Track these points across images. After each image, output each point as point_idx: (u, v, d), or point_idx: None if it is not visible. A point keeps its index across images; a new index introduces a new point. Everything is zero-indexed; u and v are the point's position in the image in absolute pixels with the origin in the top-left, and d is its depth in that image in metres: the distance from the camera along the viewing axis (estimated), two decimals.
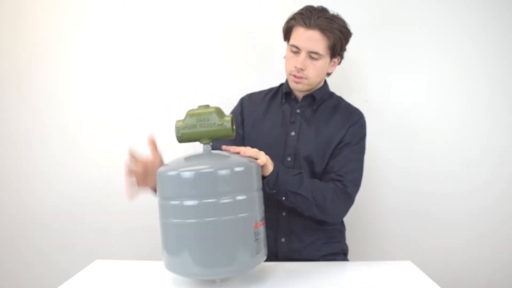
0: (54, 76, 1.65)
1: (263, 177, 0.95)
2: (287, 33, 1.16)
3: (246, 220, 0.83)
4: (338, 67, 1.58)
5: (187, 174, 0.80)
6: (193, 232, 0.81)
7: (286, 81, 1.23)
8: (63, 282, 0.95)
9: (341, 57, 1.21)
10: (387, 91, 1.58)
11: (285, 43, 1.19)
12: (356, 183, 1.13)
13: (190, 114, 0.89)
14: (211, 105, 0.91)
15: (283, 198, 1.01)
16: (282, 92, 1.23)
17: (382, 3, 1.57)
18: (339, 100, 1.25)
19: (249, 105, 1.26)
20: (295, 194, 1.01)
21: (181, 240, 0.82)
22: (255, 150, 0.94)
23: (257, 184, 0.89)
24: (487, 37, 1.56)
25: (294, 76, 1.12)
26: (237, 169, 0.83)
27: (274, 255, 1.14)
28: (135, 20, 1.62)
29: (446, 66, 1.57)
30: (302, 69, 1.10)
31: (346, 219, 1.22)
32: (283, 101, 1.22)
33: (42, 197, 1.66)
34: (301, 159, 1.14)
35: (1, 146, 1.67)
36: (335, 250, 1.20)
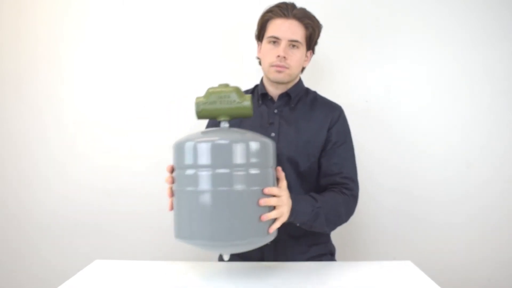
0: (54, 76, 1.65)
1: None
2: (262, 28, 1.17)
3: (258, 194, 0.84)
4: (338, 66, 1.59)
5: (203, 145, 0.83)
6: (205, 201, 0.82)
7: (261, 82, 1.24)
8: (63, 282, 0.95)
9: (313, 51, 1.23)
10: (387, 91, 1.58)
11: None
12: (357, 182, 1.16)
13: (211, 92, 0.91)
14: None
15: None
16: (258, 94, 1.22)
17: (383, 3, 1.57)
18: (315, 95, 1.25)
19: None
20: (311, 227, 1.02)
21: (194, 208, 0.83)
22: (278, 200, 0.87)
23: (272, 161, 0.90)
24: (487, 37, 1.56)
25: (277, 66, 1.12)
26: (252, 143, 0.84)
27: (260, 258, 1.13)
28: (135, 20, 1.62)
29: (446, 66, 1.57)
30: (284, 57, 1.10)
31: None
32: (260, 102, 1.21)
33: (41, 197, 1.66)
34: (284, 160, 1.13)
35: (1, 146, 1.67)
36: (322, 251, 1.20)
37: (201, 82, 1.60)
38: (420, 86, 1.58)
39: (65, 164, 1.65)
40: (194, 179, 0.83)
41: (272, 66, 1.12)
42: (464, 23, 1.56)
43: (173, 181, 0.90)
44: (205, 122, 1.29)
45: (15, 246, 1.68)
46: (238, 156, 0.82)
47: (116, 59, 1.63)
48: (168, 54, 1.61)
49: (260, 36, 1.19)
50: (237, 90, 0.91)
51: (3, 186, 1.68)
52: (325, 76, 1.59)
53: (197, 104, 0.91)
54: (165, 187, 0.92)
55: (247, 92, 1.28)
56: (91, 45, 1.63)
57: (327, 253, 1.21)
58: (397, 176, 1.59)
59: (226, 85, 0.92)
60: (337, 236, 1.30)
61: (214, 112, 0.91)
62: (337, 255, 1.28)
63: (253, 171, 0.83)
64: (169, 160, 1.62)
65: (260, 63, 1.22)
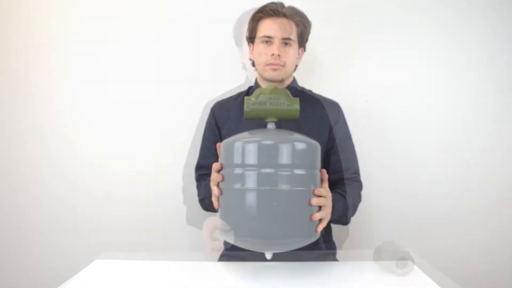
0: (54, 76, 1.64)
1: None
2: (254, 29, 1.18)
3: (302, 194, 0.85)
4: (339, 66, 1.58)
5: (250, 145, 0.85)
6: (251, 199, 0.84)
7: (256, 83, 1.24)
8: (63, 282, 0.95)
9: (304, 49, 1.24)
10: (387, 91, 1.58)
11: None
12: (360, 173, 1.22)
13: (261, 92, 0.93)
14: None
15: None
16: None
17: (383, 3, 1.57)
18: (311, 93, 1.27)
19: (220, 113, 1.25)
20: (336, 221, 1.09)
21: (240, 206, 0.85)
22: (326, 200, 0.90)
23: (318, 163, 0.92)
24: (488, 37, 1.56)
25: (272, 64, 1.13)
26: (298, 144, 0.86)
27: (263, 258, 1.13)
28: (135, 20, 1.62)
29: (446, 66, 1.57)
30: (279, 55, 1.12)
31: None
32: None
33: (41, 197, 1.66)
34: None
35: (0, 146, 1.67)
36: (327, 249, 1.21)
37: (201, 82, 1.61)
38: (420, 86, 1.58)
39: (64, 165, 1.65)
40: (241, 178, 0.85)
41: (267, 65, 1.13)
42: (465, 23, 1.56)
43: (221, 179, 0.90)
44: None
45: (15, 246, 1.68)
46: (284, 156, 0.84)
47: (116, 59, 1.63)
48: (168, 54, 1.61)
49: (251, 37, 1.20)
50: (286, 93, 0.93)
51: (2, 187, 1.68)
52: (325, 76, 1.58)
53: (247, 104, 0.93)
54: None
55: (240, 94, 1.28)
56: (91, 45, 1.63)
57: (329, 253, 1.22)
58: (397, 176, 1.59)
59: (275, 87, 0.94)
60: (337, 236, 1.30)
61: (262, 112, 0.92)
62: (337, 255, 1.28)
63: (298, 171, 0.85)
64: (169, 161, 1.63)
65: (253, 65, 1.22)
